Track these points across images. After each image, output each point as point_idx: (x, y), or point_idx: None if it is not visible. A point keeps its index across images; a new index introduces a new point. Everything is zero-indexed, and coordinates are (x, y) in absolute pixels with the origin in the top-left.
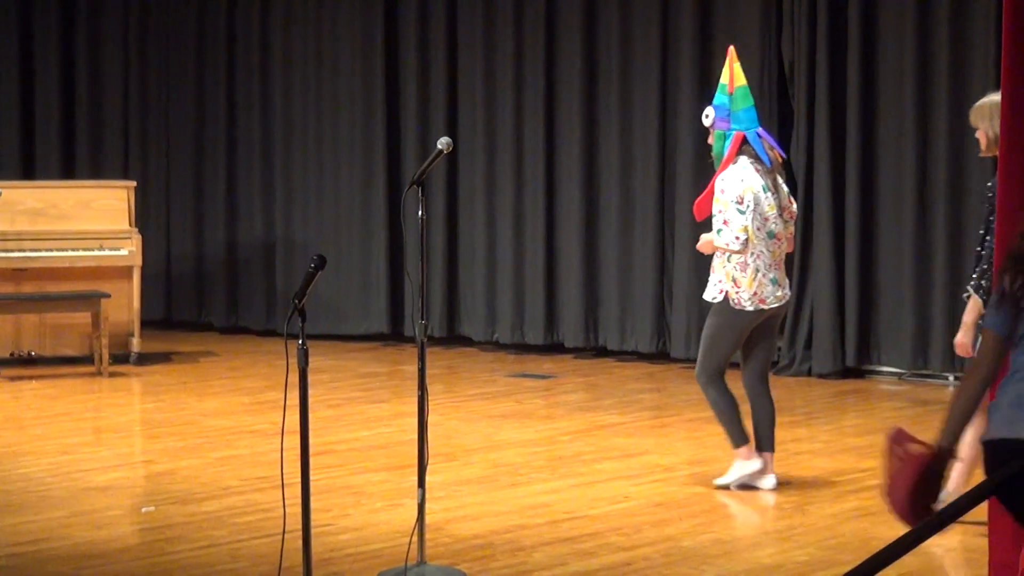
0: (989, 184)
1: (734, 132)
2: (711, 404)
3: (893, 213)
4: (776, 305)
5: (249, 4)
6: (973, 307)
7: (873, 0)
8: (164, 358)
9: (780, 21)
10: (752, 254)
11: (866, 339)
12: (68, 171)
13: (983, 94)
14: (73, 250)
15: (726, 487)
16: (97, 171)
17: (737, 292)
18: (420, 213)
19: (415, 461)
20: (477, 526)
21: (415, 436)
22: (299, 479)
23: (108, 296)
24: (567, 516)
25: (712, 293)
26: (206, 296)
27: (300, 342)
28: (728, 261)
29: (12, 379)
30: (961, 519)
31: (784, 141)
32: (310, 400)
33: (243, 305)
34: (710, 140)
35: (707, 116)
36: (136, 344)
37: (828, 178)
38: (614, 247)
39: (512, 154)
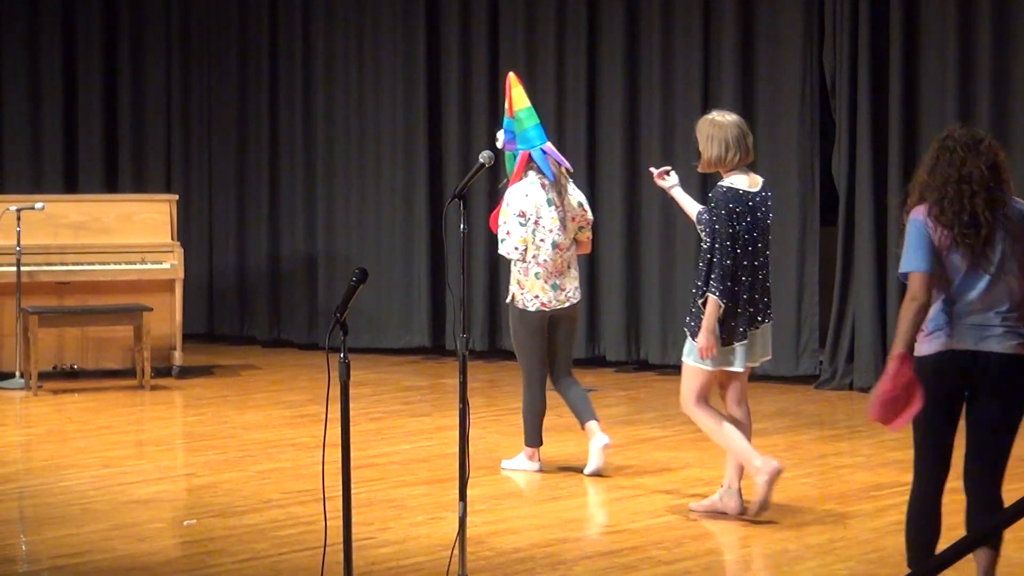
0: (710, 195)
1: (521, 151)
2: (526, 400)
3: None
4: (559, 307)
5: (291, 18)
6: (713, 312)
7: (915, 13)
8: (206, 371)
9: (822, 34)
10: (532, 262)
11: None
12: (111, 185)
13: None
14: (115, 263)
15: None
16: (139, 184)
17: (521, 294)
18: (462, 226)
19: (456, 474)
20: (518, 539)
21: (456, 449)
22: (340, 492)
23: (150, 309)
24: (608, 530)
25: (508, 297)
26: (248, 309)
27: (342, 355)
28: (514, 267)
29: (55, 392)
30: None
31: (826, 154)
32: (351, 413)
33: (285, 318)
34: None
35: (498, 139)
36: (178, 357)
37: (870, 191)
38: (656, 260)
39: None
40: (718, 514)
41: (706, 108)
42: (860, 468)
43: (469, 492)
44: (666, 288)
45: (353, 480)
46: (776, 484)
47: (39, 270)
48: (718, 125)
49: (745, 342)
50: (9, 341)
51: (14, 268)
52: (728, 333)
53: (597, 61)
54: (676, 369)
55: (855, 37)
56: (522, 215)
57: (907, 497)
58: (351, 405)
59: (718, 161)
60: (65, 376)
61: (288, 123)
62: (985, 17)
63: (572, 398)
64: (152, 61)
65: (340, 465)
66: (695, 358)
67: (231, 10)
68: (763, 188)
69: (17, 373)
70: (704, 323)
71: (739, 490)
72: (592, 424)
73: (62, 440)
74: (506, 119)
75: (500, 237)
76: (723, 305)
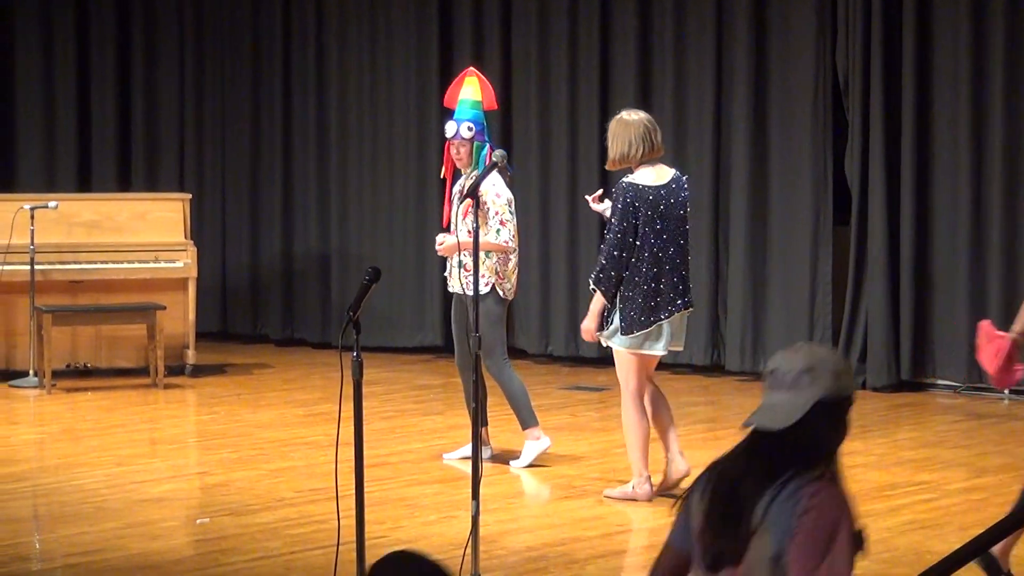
0: (613, 189)
1: (487, 145)
2: (506, 390)
3: (948, 225)
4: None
5: (304, 16)
6: (598, 298)
7: (927, 12)
8: (219, 370)
9: (835, 33)
10: (516, 251)
11: (921, 352)
12: (124, 183)
13: None
14: (129, 262)
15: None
16: (153, 183)
17: (501, 284)
18: (473, 225)
19: (469, 473)
20: (531, 539)
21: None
22: (353, 491)
23: (163, 308)
24: (620, 529)
25: (483, 288)
26: (261, 308)
27: (355, 354)
28: (488, 257)
29: (68, 390)
30: None
31: (839, 153)
32: (364, 412)
33: (298, 317)
34: (461, 153)
35: (469, 129)
36: (191, 356)
37: (882, 190)
38: None
39: (566, 166)
40: (670, 487)
41: (719, 107)
42: (873, 467)
43: (482, 491)
44: None
45: (366, 479)
46: (631, 503)
47: (52, 269)
48: (624, 124)
49: (648, 330)
50: (23, 340)
51: (28, 267)
52: (627, 323)
53: (609, 61)
54: (691, 368)
55: (868, 36)
56: (511, 205)
57: (920, 496)
58: (364, 404)
59: (622, 158)
60: (78, 375)
61: (301, 121)
62: (998, 15)
63: (483, 395)
64: (165, 60)
65: (353, 463)
66: (619, 343)
67: (244, 8)
68: (672, 181)
69: (31, 372)
70: (591, 307)
71: (679, 452)
72: (486, 431)
73: (75, 438)
74: (473, 111)
75: (494, 227)
76: (604, 293)
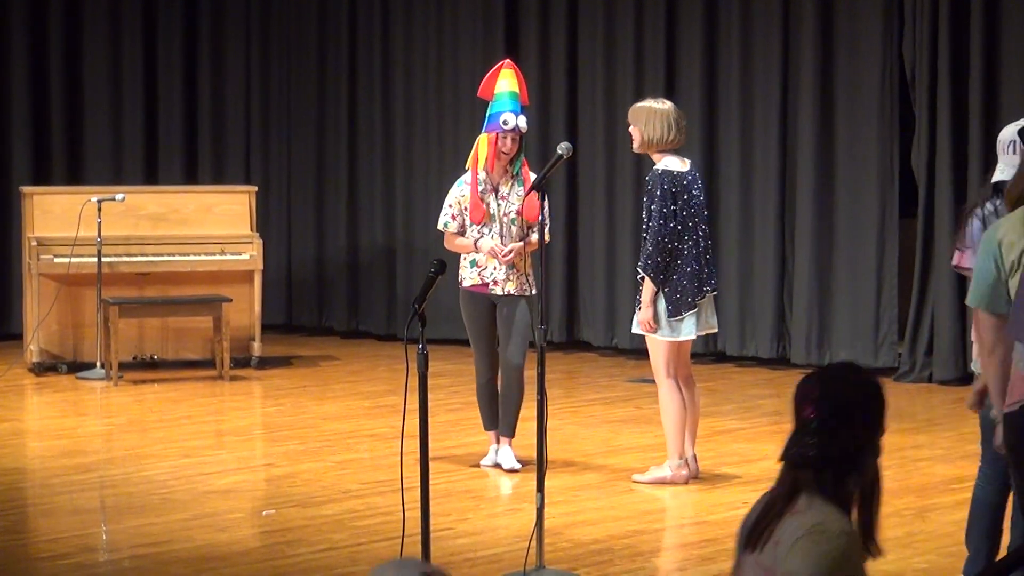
0: (647, 178)
1: None
2: (522, 391)
3: None
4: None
5: (370, 8)
6: (649, 287)
7: (995, 3)
8: (285, 362)
9: (902, 25)
10: None
11: None
12: (190, 176)
13: None
14: (195, 255)
15: None
16: (219, 176)
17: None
18: (540, 217)
19: (534, 465)
20: (596, 531)
21: (534, 440)
22: (419, 483)
23: (229, 300)
24: (686, 521)
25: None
26: (327, 301)
27: (420, 347)
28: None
29: (135, 382)
30: None
31: (905, 146)
32: (430, 404)
33: (364, 309)
34: (512, 146)
35: (526, 121)
36: (257, 348)
37: (950, 182)
38: (734, 251)
39: (632, 158)
40: (665, 484)
41: (785, 100)
42: (939, 461)
43: (547, 483)
44: (744, 279)
45: (431, 471)
46: (668, 487)
47: (119, 261)
48: (655, 110)
49: (694, 311)
50: (90, 331)
51: (95, 259)
52: (675, 305)
53: (675, 56)
54: (756, 361)
55: (935, 28)
56: None
57: None
58: (429, 396)
59: (659, 141)
60: (145, 367)
61: (367, 114)
62: None
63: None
64: (231, 52)
65: (418, 456)
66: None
67: (310, 1)
68: (692, 169)
69: (98, 363)
70: (643, 298)
71: (694, 456)
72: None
73: (142, 430)
74: (518, 104)
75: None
76: (652, 279)
